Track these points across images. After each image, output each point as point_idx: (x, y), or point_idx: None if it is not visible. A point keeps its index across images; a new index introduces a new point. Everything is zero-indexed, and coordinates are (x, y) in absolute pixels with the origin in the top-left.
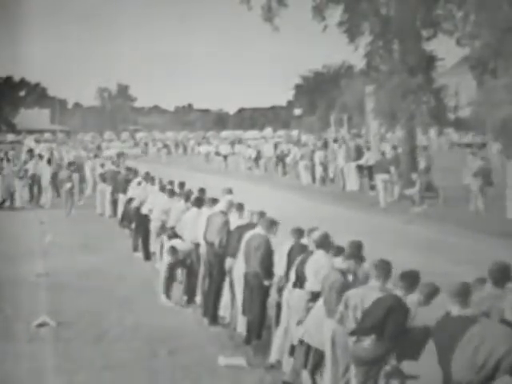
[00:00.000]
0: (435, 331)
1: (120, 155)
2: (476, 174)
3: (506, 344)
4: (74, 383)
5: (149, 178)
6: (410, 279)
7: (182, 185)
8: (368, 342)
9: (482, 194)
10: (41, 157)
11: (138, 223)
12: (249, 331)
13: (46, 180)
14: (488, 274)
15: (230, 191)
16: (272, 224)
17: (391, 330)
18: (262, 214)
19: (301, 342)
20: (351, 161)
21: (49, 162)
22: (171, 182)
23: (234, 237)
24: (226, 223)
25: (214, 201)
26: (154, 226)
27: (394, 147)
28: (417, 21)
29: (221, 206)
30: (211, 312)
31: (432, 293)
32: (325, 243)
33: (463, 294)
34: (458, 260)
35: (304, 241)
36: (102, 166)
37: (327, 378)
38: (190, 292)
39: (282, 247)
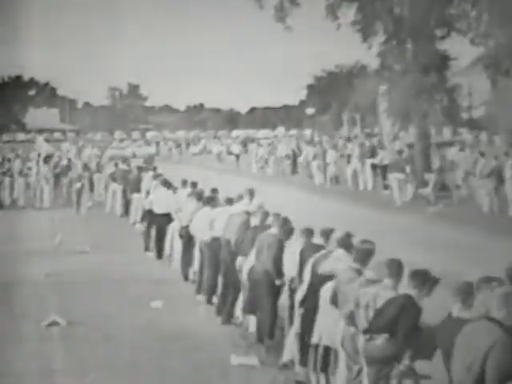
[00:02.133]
0: (437, 332)
1: (149, 159)
2: (490, 174)
3: (489, 340)
4: (85, 383)
5: (161, 178)
6: (421, 278)
7: (194, 184)
8: (380, 340)
9: (496, 194)
10: (39, 156)
11: (149, 222)
12: (259, 329)
13: (43, 180)
14: (505, 273)
15: (252, 192)
16: (285, 223)
17: (403, 329)
18: (276, 215)
19: (316, 345)
20: (366, 160)
21: (46, 162)
22: (184, 182)
23: (247, 236)
24: (246, 223)
25: (230, 200)
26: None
27: (410, 145)
28: (430, 20)
29: (242, 205)
30: (228, 311)
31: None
32: (346, 243)
33: (463, 293)
34: (473, 260)
35: (316, 240)
36: (116, 165)
37: (340, 378)
38: (210, 291)
39: (290, 247)
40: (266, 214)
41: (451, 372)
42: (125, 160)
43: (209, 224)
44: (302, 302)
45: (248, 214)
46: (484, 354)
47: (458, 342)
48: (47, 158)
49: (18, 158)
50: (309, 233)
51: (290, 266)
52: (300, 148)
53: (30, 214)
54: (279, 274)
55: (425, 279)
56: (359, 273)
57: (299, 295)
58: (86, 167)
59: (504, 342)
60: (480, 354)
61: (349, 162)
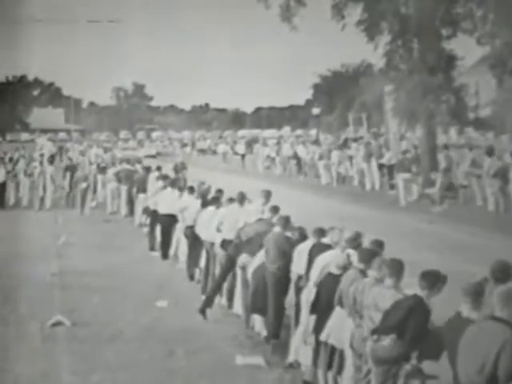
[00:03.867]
0: (446, 331)
1: (182, 165)
2: (495, 174)
3: (499, 341)
4: (89, 383)
5: (167, 178)
6: (432, 278)
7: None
8: (387, 341)
9: (502, 195)
10: (42, 156)
11: (154, 222)
12: (267, 329)
13: (47, 180)
14: (490, 272)
15: (268, 194)
16: (287, 221)
17: (412, 330)
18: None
19: (324, 343)
20: (373, 160)
21: (51, 161)
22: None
23: (258, 237)
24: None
25: (231, 200)
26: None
27: (415, 146)
28: (436, 20)
29: (254, 207)
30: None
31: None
32: (356, 243)
33: (473, 294)
34: (478, 260)
35: (325, 240)
36: (113, 164)
37: (348, 377)
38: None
39: (300, 246)
40: (287, 220)
41: (459, 373)
42: (138, 162)
43: (216, 226)
44: (314, 305)
45: (272, 224)
46: (495, 354)
47: (466, 343)
48: (51, 158)
49: (22, 158)
50: (320, 233)
51: (298, 264)
52: (307, 148)
53: (33, 215)
54: (286, 267)
55: (436, 280)
56: (363, 273)
57: (308, 295)
58: (91, 167)
59: None
60: (491, 356)
61: (351, 162)
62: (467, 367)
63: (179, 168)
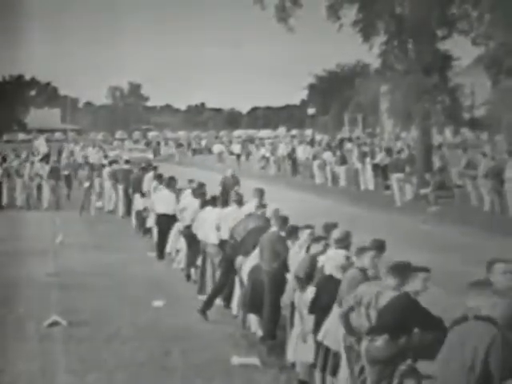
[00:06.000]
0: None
1: (234, 179)
2: (486, 174)
3: (487, 339)
4: (86, 383)
5: (167, 179)
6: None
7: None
8: (380, 341)
9: (496, 195)
10: (34, 155)
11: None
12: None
13: (43, 180)
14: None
15: (261, 192)
16: (284, 221)
17: (417, 325)
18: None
19: (320, 343)
20: (368, 160)
21: (46, 161)
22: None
23: (251, 236)
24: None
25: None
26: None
27: (408, 146)
28: (432, 20)
29: (250, 206)
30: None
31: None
32: (347, 243)
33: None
34: (473, 260)
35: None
36: (110, 164)
37: (343, 377)
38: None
39: (294, 246)
40: (284, 220)
41: (446, 371)
42: (148, 164)
43: (215, 226)
44: (313, 305)
45: (261, 218)
46: (485, 353)
47: (453, 342)
48: (45, 158)
49: (18, 158)
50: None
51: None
52: (305, 148)
53: (30, 215)
54: (282, 267)
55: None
56: (364, 272)
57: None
58: (92, 167)
59: (500, 338)
60: (481, 354)
61: (342, 162)
62: (455, 365)
63: (231, 183)
